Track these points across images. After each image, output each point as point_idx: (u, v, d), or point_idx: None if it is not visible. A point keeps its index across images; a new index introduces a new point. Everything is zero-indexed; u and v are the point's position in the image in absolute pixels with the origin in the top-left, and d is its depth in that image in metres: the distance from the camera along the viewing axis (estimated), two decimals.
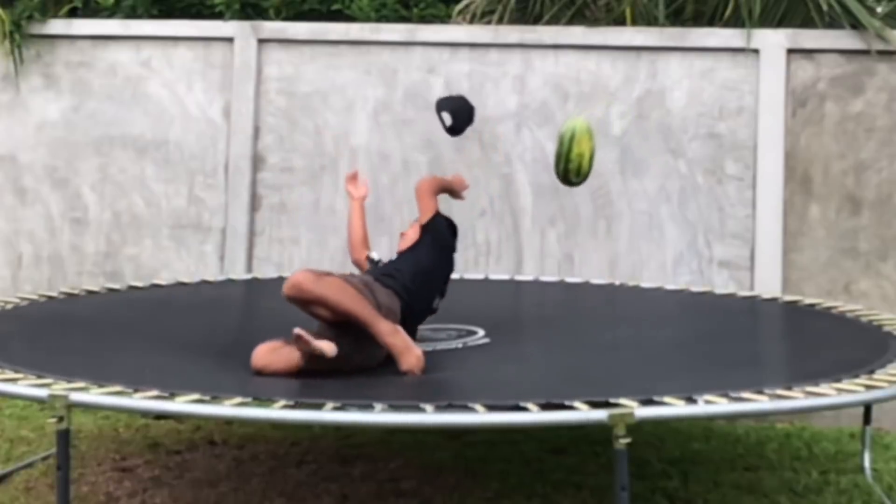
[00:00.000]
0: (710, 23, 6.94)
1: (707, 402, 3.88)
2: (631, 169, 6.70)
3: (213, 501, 4.98)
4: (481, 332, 5.20)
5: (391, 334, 4.51)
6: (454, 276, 5.14)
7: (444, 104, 5.21)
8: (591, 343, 5.16)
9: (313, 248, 6.92)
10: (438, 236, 5.09)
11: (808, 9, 6.79)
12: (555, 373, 4.67)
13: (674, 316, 5.80)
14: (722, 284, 6.49)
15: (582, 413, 3.81)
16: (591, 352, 5.00)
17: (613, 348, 5.05)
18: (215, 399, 3.95)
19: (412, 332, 4.78)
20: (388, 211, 6.85)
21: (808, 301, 5.87)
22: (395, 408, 3.95)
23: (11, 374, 4.18)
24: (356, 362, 4.54)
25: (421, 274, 4.94)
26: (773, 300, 5.99)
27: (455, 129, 5.19)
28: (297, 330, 4.36)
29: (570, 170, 4.95)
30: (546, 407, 3.88)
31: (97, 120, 7.17)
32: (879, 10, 6.90)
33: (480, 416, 3.87)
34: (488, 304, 5.89)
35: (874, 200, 6.53)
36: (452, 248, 5.19)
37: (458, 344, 5.05)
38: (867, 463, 5.22)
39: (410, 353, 4.51)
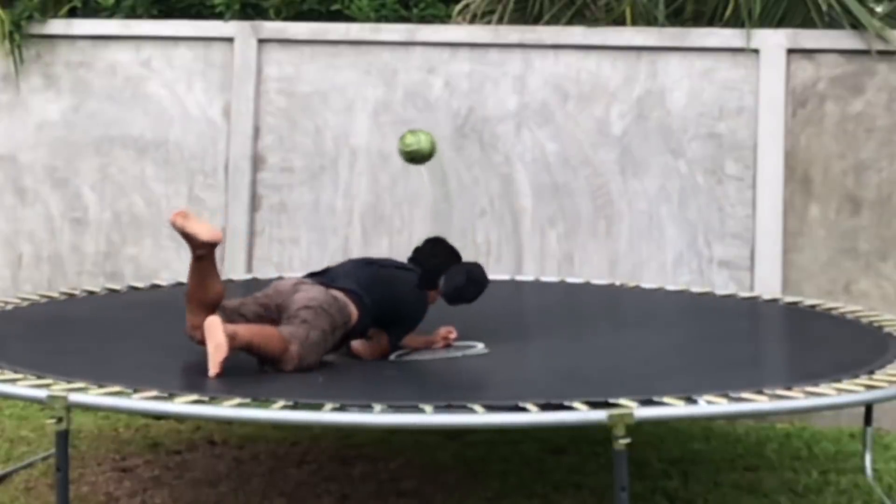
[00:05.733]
0: (710, 23, 6.94)
1: (707, 402, 3.89)
2: (631, 169, 6.70)
3: (213, 501, 4.98)
4: (480, 345, 5.05)
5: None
6: None
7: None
8: (592, 344, 5.15)
9: (313, 248, 6.91)
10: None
11: (808, 9, 6.79)
12: (555, 374, 4.67)
13: (674, 317, 5.79)
14: (722, 284, 6.48)
15: (581, 413, 3.81)
16: (592, 353, 4.99)
17: (614, 349, 5.04)
18: (214, 400, 3.96)
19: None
20: (388, 211, 6.85)
21: (808, 302, 5.86)
22: (394, 408, 3.94)
23: (11, 375, 4.18)
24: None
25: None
26: (774, 301, 5.99)
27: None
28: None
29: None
30: (545, 407, 3.88)
31: (97, 120, 7.17)
32: (879, 10, 6.90)
33: (480, 417, 3.87)
34: (489, 305, 5.86)
35: (874, 200, 6.53)
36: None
37: (458, 353, 4.97)
38: (868, 464, 5.21)
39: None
